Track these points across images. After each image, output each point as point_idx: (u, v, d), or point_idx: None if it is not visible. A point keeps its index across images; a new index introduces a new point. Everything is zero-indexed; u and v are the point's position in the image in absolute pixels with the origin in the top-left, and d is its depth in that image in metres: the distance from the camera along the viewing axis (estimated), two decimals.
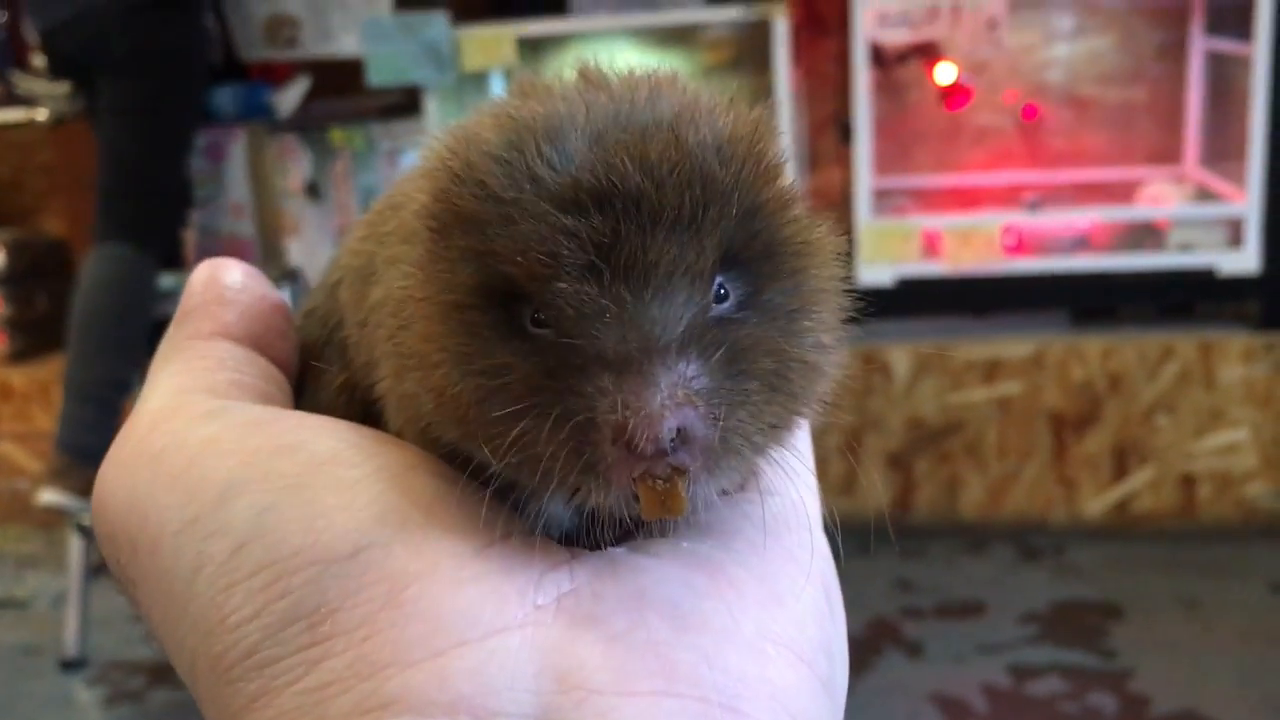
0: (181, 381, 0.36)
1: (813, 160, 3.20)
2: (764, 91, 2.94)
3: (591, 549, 0.33)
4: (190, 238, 3.05)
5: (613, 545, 0.34)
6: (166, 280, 2.67)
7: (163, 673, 2.48)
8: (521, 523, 0.32)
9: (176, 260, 2.82)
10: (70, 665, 2.49)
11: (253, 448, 0.32)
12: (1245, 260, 2.72)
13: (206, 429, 0.33)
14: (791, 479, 0.36)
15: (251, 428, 0.33)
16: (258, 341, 0.40)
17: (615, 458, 0.31)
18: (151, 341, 2.66)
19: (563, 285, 0.32)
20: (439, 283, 0.33)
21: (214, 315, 0.39)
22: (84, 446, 2.37)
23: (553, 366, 0.32)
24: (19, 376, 3.25)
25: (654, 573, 0.31)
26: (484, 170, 0.33)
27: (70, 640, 2.51)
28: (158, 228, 2.55)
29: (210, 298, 0.40)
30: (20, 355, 3.30)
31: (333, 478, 0.31)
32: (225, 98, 3.16)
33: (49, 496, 2.37)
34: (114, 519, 0.33)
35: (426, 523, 0.30)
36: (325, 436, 0.32)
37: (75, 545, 2.52)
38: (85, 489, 2.38)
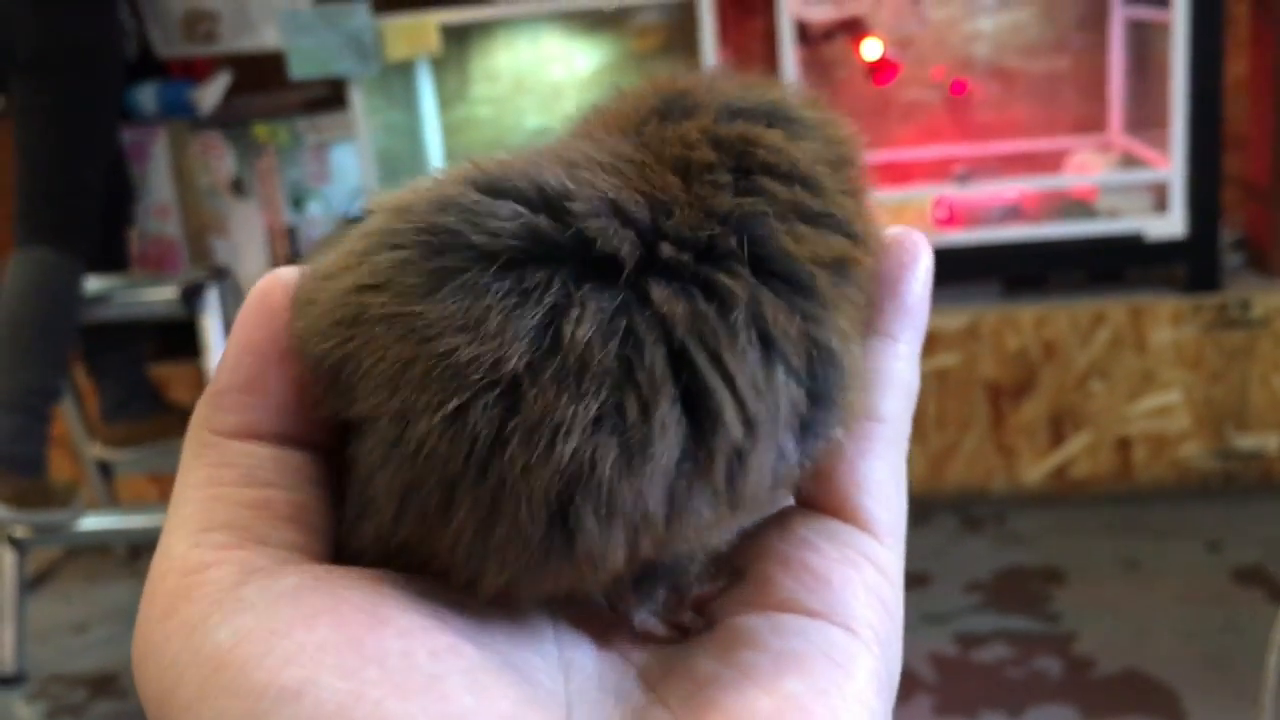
0: (203, 514, 0.34)
1: None
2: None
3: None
4: (133, 238, 2.98)
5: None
6: (109, 284, 2.59)
7: (104, 685, 2.43)
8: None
9: (120, 262, 2.74)
10: (8, 681, 2.44)
11: (260, 687, 0.30)
12: (1171, 225, 2.76)
13: (220, 634, 0.31)
14: (863, 587, 0.33)
15: (264, 634, 0.31)
16: (295, 424, 0.35)
17: None
18: (76, 343, 2.57)
19: None
20: None
21: (243, 407, 0.35)
22: (13, 456, 2.31)
23: None
24: None
25: None
26: None
27: (7, 656, 2.45)
28: (80, 230, 2.46)
29: (239, 380, 0.35)
30: None
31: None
32: (145, 96, 3.09)
33: None
34: (147, 694, 0.33)
35: None
36: (328, 675, 0.30)
37: (8, 559, 2.46)
38: (17, 499, 2.32)
